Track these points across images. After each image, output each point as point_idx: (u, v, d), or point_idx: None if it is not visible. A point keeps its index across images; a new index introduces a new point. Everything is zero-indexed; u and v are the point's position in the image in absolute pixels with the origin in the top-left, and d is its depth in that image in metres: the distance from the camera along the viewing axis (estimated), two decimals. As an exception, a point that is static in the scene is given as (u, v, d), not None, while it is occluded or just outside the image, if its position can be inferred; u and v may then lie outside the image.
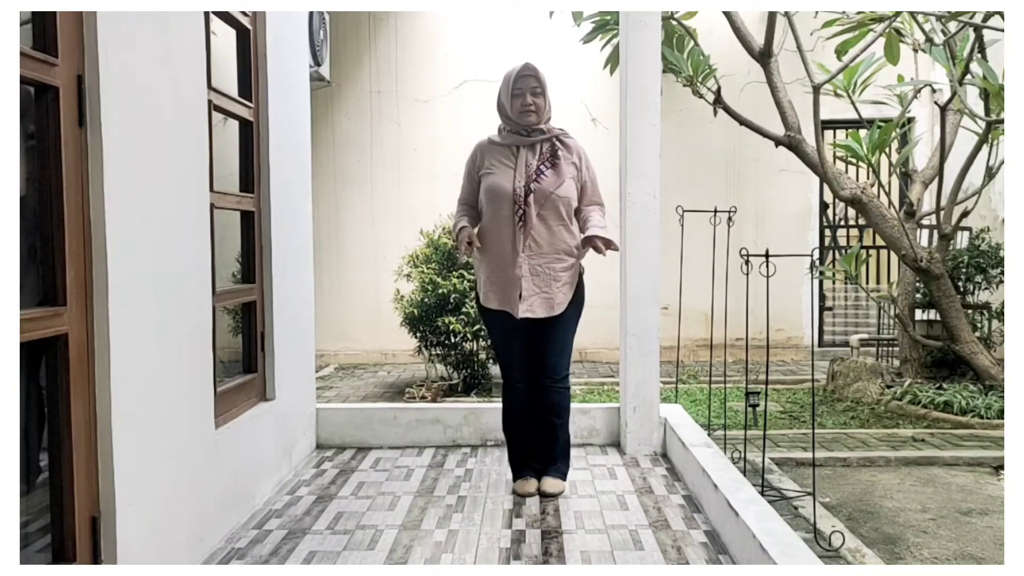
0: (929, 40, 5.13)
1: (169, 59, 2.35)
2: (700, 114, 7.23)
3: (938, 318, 5.88)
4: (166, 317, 2.32)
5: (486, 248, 3.17)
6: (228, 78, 3.15)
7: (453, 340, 6.10)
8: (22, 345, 1.72)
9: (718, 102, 6.21)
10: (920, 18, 5.20)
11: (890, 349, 6.97)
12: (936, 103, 6.13)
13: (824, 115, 5.39)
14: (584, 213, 3.22)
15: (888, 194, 6.06)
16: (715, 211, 4.48)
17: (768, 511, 2.55)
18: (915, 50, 6.07)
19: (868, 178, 6.73)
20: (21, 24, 1.82)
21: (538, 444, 3.31)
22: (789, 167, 7.37)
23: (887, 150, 5.24)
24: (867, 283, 8.25)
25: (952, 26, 4.95)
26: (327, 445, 4.07)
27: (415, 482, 3.46)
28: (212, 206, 2.70)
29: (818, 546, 2.99)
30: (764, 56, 5.90)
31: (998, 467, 4.14)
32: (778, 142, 6.03)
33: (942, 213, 5.68)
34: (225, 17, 3.03)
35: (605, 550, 2.67)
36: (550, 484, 3.24)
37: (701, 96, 6.25)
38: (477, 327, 5.87)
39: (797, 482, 3.84)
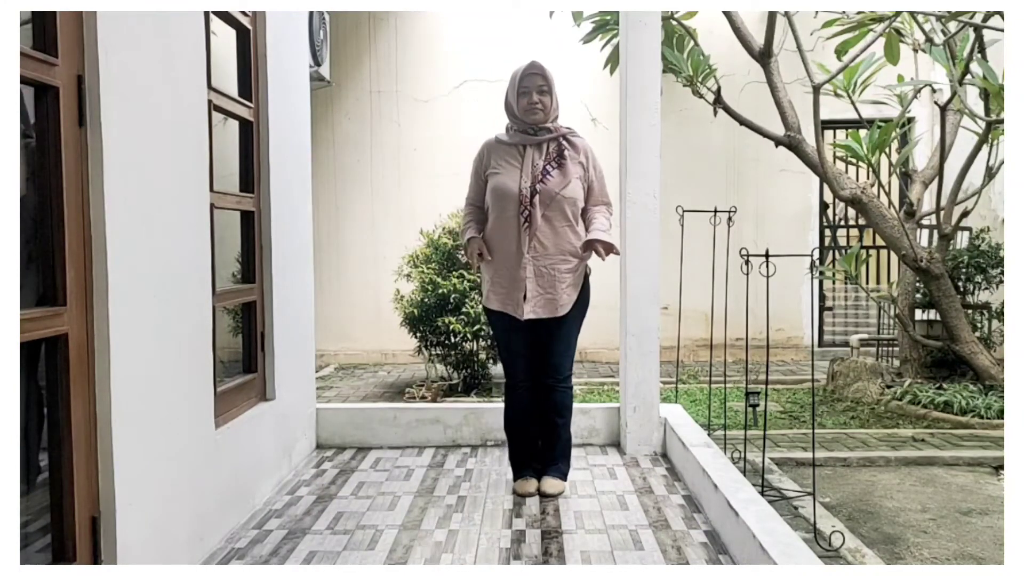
0: (929, 40, 5.13)
1: (169, 59, 2.35)
2: (700, 114, 7.23)
3: (938, 318, 5.88)
4: (166, 317, 2.32)
5: (492, 249, 3.18)
6: (228, 78, 3.15)
7: (453, 340, 6.10)
8: (22, 345, 1.72)
9: (718, 102, 6.21)
10: (920, 18, 5.19)
11: (890, 349, 6.97)
12: (936, 103, 6.13)
13: (824, 115, 5.39)
14: (589, 214, 3.22)
15: (888, 194, 6.06)
16: (715, 211, 4.48)
17: (768, 511, 2.55)
18: (915, 50, 6.06)
19: (868, 178, 6.73)
20: (21, 24, 1.81)
21: (539, 444, 3.32)
22: (789, 167, 7.37)
23: (887, 150, 5.24)
24: (867, 283, 8.25)
25: (952, 26, 4.94)
26: (327, 445, 4.07)
27: (415, 482, 3.46)
28: (212, 206, 2.70)
29: (818, 546, 2.99)
30: (764, 56, 5.90)
31: (998, 467, 4.14)
32: (778, 142, 6.03)
33: (942, 213, 5.68)
34: (225, 17, 3.03)
35: (605, 550, 2.67)
36: (550, 484, 3.24)
37: (701, 96, 6.25)
38: (477, 327, 5.86)
39: (797, 482, 3.84)
